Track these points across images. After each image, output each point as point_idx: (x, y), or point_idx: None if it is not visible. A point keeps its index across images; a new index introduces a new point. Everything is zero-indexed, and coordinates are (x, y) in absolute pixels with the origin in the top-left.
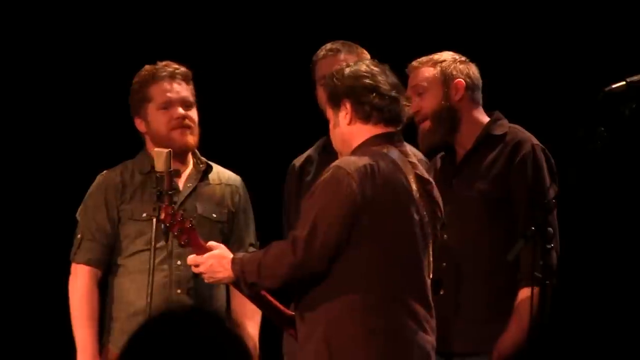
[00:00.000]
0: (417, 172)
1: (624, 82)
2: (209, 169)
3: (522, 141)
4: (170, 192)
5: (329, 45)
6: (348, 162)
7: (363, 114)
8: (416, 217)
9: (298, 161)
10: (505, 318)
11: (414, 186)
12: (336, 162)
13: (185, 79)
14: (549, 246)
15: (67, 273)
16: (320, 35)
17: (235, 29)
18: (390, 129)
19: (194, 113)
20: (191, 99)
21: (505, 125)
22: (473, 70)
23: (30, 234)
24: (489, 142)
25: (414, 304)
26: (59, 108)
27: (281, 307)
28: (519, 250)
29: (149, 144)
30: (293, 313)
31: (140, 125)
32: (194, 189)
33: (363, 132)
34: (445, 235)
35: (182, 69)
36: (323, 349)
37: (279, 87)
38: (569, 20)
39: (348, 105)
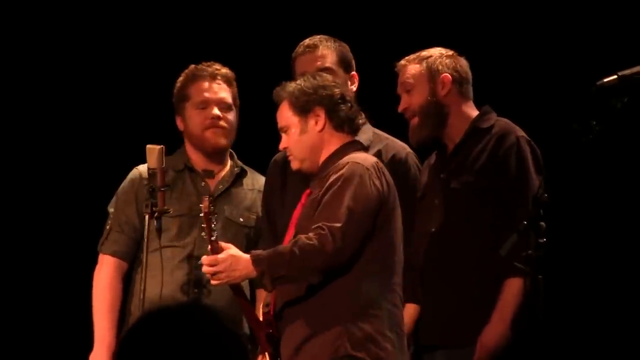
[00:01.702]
0: None
1: (615, 76)
2: (243, 173)
3: (506, 133)
4: (163, 189)
5: (306, 41)
6: (361, 158)
7: (337, 123)
8: (400, 214)
9: (279, 156)
10: (490, 310)
11: None
12: (349, 159)
13: (226, 80)
14: (541, 240)
15: (94, 264)
16: (311, 31)
17: (229, 29)
18: (354, 138)
19: (231, 115)
20: (229, 101)
21: (492, 119)
22: (461, 64)
23: (66, 226)
24: (476, 135)
25: (402, 297)
26: (98, 102)
27: (255, 311)
28: (512, 244)
29: (187, 143)
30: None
31: (179, 123)
32: (225, 191)
33: (334, 139)
34: (433, 229)
35: (225, 70)
36: (343, 339)
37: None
38: (561, 14)
39: (321, 114)
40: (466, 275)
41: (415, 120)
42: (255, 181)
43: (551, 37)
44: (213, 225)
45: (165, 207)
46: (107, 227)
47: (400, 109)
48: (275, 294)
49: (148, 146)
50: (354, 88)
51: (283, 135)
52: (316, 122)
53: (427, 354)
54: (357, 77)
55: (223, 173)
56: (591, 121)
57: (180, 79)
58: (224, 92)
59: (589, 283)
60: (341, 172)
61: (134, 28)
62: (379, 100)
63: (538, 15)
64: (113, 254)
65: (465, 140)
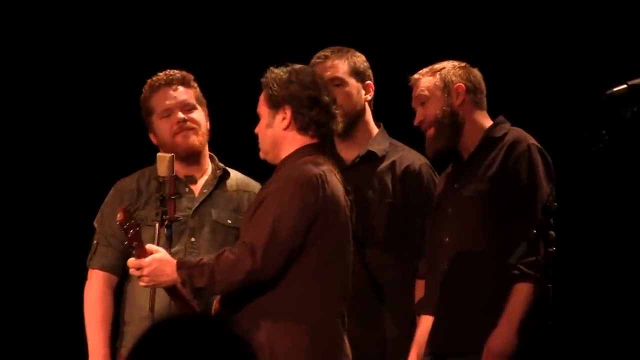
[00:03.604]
0: (342, 181)
1: (625, 85)
2: (226, 175)
3: (517, 141)
4: (173, 197)
5: (320, 52)
6: (298, 172)
7: (301, 124)
8: (349, 226)
9: None
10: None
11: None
12: (286, 173)
13: (182, 82)
14: (551, 249)
15: (83, 279)
16: (326, 43)
17: (242, 35)
18: (321, 141)
19: (197, 114)
20: (191, 101)
21: (505, 128)
22: (474, 74)
23: (51, 241)
24: (489, 145)
25: (343, 312)
26: (78, 116)
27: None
28: (522, 253)
29: None
30: None
31: (153, 139)
32: (210, 195)
33: (296, 140)
34: (447, 238)
35: (178, 74)
36: (266, 351)
37: None
38: (571, 23)
39: (288, 112)
40: (479, 283)
41: (431, 131)
42: (240, 182)
43: (561, 46)
44: (131, 234)
45: (176, 215)
46: (94, 241)
47: (416, 122)
48: (219, 299)
49: (159, 154)
50: (369, 97)
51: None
52: (283, 119)
53: None
54: (372, 86)
55: (206, 177)
56: (601, 130)
57: (142, 95)
58: (184, 95)
59: (599, 290)
60: (275, 185)
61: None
62: (398, 114)
63: (547, 25)
64: (102, 268)
65: (479, 150)
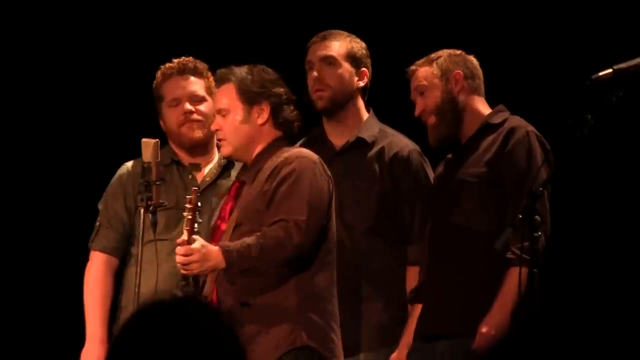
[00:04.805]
0: None
1: (610, 70)
2: (230, 164)
3: (516, 127)
4: (157, 183)
5: (320, 33)
6: (306, 153)
7: (277, 121)
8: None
9: None
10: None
11: None
12: (293, 154)
13: (195, 73)
14: (536, 234)
15: (85, 261)
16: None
17: (243, 26)
18: (287, 135)
19: (205, 106)
20: (201, 92)
21: (505, 115)
22: (470, 61)
23: (55, 223)
24: (487, 130)
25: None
26: (86, 99)
27: None
28: (507, 238)
29: (169, 142)
30: None
31: (162, 125)
32: (212, 184)
33: (270, 134)
34: (442, 222)
35: (191, 63)
36: (299, 330)
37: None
38: (556, 8)
39: (267, 109)
40: (473, 267)
41: (432, 119)
42: None
43: (545, 31)
44: (197, 217)
45: (161, 201)
46: (97, 223)
47: (416, 113)
48: (215, 285)
49: (143, 140)
50: (361, 84)
51: (218, 117)
52: (259, 115)
53: (429, 345)
54: (367, 74)
55: (210, 165)
56: (586, 115)
57: (155, 81)
58: (194, 86)
59: (588, 273)
60: (292, 165)
61: (123, 25)
62: (394, 102)
63: (531, 8)
64: (102, 250)
65: (478, 135)
